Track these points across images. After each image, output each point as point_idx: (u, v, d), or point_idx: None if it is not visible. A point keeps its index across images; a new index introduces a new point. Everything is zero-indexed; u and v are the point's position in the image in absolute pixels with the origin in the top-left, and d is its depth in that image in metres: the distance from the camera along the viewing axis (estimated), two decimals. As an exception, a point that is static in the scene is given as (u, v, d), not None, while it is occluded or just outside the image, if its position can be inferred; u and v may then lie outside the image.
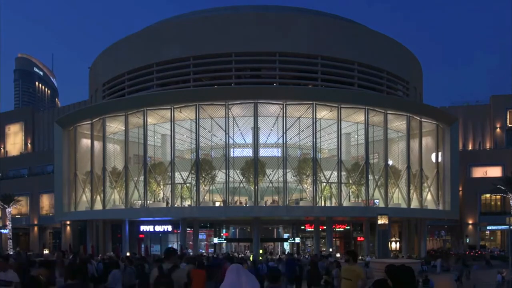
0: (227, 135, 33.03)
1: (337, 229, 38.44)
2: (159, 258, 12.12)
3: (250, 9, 39.93)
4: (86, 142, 38.27)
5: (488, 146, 54.54)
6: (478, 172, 50.07)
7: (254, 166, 32.54)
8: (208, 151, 35.86)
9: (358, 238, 39.79)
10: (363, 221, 37.75)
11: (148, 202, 35.06)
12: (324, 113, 33.75)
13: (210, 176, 33.14)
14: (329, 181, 33.65)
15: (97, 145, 37.02)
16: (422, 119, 36.52)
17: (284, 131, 33.00)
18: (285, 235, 39.38)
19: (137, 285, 11.82)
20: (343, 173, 34.09)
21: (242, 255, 32.81)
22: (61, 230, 48.75)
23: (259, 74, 39.42)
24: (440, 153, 37.50)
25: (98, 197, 36.32)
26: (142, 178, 34.53)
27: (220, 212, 34.46)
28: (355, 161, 35.55)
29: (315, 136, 33.26)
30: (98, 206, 36.37)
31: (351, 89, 37.40)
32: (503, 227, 45.46)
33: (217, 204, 35.18)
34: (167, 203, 34.82)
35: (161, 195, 35.93)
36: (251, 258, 27.34)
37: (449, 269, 29.80)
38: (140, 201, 35.31)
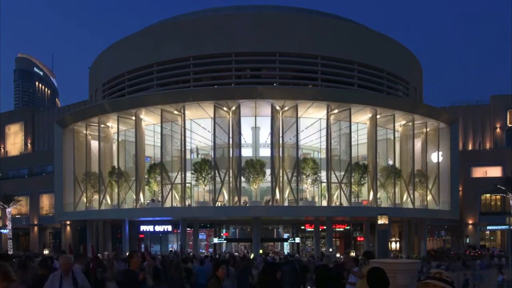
0: (230, 138, 33.01)
1: (337, 229, 38.42)
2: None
3: (250, 9, 39.94)
4: (86, 142, 38.25)
5: (488, 146, 54.48)
6: (478, 172, 50.05)
7: (239, 166, 32.54)
8: (208, 151, 35.81)
9: (358, 238, 39.77)
10: (363, 221, 37.73)
11: (148, 202, 35.05)
12: (324, 113, 33.72)
13: (210, 176, 33.12)
14: (329, 181, 33.62)
15: (97, 145, 36.99)
16: (422, 119, 36.49)
17: (283, 131, 32.98)
18: (285, 235, 39.35)
19: None
20: (343, 173, 34.07)
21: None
22: (61, 230, 48.74)
23: (259, 74, 39.40)
24: (440, 153, 37.48)
25: (98, 197, 36.29)
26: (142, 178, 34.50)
27: (220, 212, 34.42)
28: (355, 161, 35.51)
29: (325, 135, 33.25)
30: (98, 206, 36.35)
31: (351, 89, 37.38)
32: (503, 227, 45.35)
33: (217, 204, 35.14)
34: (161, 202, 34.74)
35: (161, 195, 35.83)
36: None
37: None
38: (140, 201, 35.27)
